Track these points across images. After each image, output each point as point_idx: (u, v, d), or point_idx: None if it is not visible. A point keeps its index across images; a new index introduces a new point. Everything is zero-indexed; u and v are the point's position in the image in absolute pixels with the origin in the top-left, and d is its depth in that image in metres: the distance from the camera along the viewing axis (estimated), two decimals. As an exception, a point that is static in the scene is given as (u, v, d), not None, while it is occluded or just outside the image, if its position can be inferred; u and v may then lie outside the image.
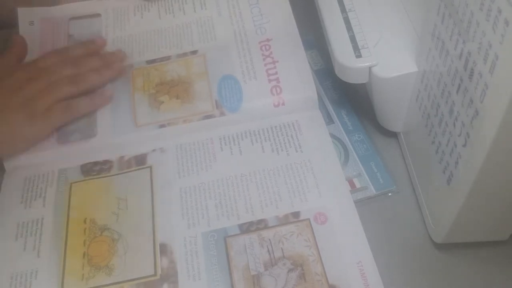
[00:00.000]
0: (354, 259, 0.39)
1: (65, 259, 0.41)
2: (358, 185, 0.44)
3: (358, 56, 0.42)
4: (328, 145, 0.46)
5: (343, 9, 0.45)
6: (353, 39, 0.43)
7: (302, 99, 0.48)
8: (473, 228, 0.38)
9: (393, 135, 0.48)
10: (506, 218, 0.37)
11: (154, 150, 0.47)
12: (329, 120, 0.49)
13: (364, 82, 0.43)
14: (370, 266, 0.38)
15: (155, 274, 0.40)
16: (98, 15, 0.58)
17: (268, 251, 0.40)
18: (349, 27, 0.44)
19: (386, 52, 0.41)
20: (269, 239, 0.41)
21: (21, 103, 0.47)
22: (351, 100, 0.50)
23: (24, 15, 0.58)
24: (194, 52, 0.53)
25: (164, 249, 0.41)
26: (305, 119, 0.48)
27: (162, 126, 0.48)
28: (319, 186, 0.43)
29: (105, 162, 0.47)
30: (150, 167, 0.46)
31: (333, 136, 0.48)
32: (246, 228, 0.42)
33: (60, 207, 0.45)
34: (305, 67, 0.50)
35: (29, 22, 0.57)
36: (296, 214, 0.42)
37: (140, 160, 0.47)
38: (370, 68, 0.41)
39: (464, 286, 0.39)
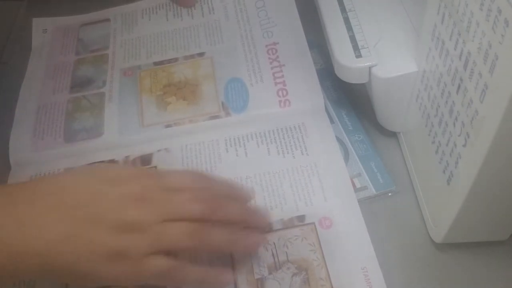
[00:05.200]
0: (359, 264, 0.39)
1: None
2: (358, 185, 0.44)
3: (358, 56, 0.41)
4: (334, 148, 0.46)
5: (343, 9, 0.45)
6: (353, 39, 0.43)
7: (308, 102, 0.48)
8: (473, 228, 0.37)
9: (393, 135, 0.47)
10: (506, 218, 0.37)
11: (159, 151, 0.47)
12: (329, 120, 0.49)
13: (364, 82, 0.42)
14: (375, 272, 0.38)
15: None
16: (108, 20, 0.59)
17: (273, 254, 0.40)
18: (349, 27, 0.44)
19: (386, 52, 0.41)
20: (274, 243, 0.40)
21: (114, 227, 0.32)
22: (351, 100, 0.50)
23: (38, 24, 0.59)
24: (201, 54, 0.54)
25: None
26: (312, 122, 0.48)
27: (168, 126, 0.49)
28: (324, 190, 0.43)
29: (111, 161, 0.47)
30: (155, 167, 0.46)
31: (333, 136, 0.47)
32: None
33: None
34: (311, 71, 0.50)
35: (43, 30, 0.59)
36: (301, 218, 0.42)
37: (145, 160, 0.47)
38: (370, 68, 0.41)
39: (464, 286, 0.38)
